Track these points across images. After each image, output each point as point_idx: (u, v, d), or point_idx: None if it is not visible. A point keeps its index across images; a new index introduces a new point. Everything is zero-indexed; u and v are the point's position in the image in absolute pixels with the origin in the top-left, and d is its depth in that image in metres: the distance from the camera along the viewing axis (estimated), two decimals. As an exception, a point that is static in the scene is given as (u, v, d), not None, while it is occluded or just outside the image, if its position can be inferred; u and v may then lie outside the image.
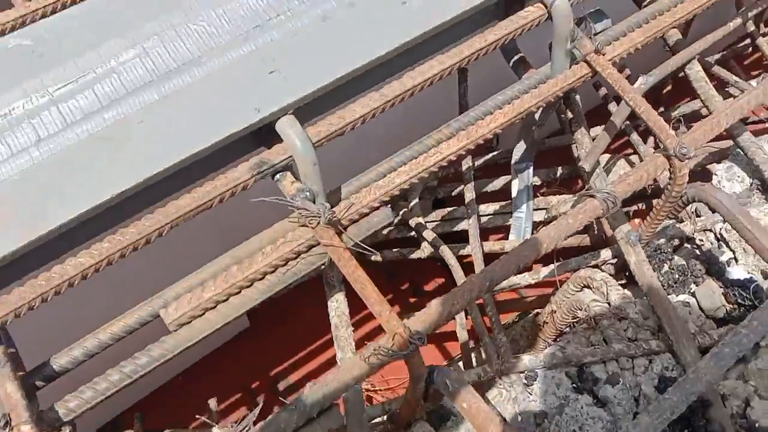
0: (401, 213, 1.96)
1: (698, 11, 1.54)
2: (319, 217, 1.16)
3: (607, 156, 2.03)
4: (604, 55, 1.40)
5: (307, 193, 1.20)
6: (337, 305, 1.37)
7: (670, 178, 1.32)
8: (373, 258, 2.06)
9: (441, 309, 1.15)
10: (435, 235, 1.88)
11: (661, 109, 2.36)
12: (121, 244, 1.11)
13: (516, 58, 1.57)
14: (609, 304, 1.49)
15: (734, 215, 1.26)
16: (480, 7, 1.33)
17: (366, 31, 1.25)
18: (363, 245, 1.20)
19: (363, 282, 1.14)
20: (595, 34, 1.50)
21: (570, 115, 1.76)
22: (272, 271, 1.19)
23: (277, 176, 1.22)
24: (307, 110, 1.24)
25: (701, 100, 1.71)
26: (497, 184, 2.13)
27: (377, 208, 1.27)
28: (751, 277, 1.46)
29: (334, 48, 1.23)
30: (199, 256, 1.28)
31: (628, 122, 2.04)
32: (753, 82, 2.06)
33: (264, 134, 1.22)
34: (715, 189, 1.33)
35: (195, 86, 1.17)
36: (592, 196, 1.27)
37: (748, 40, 2.29)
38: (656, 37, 1.49)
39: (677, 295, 1.49)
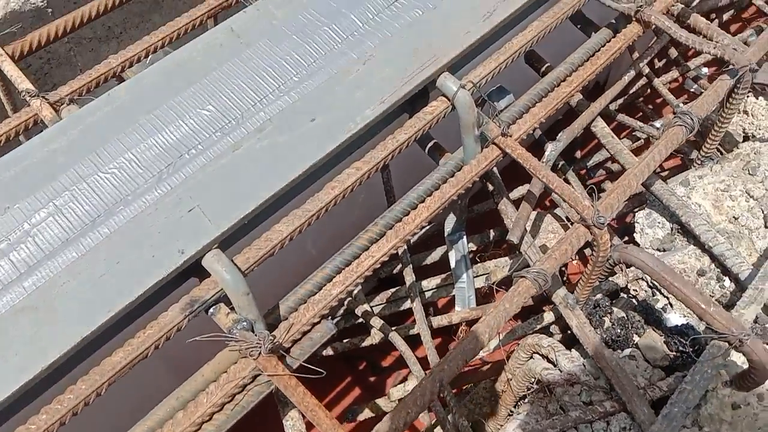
0: (346, 303, 1.97)
1: (592, 77, 1.63)
2: (260, 347, 1.15)
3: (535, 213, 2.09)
4: (510, 136, 1.45)
5: (244, 323, 1.19)
6: (293, 423, 1.35)
7: (593, 246, 1.37)
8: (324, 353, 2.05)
9: (397, 421, 1.15)
10: (383, 321, 1.89)
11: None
12: (59, 413, 1.07)
13: (430, 144, 1.61)
14: (560, 370, 1.52)
15: (658, 273, 1.32)
16: (388, 111, 1.37)
17: (279, 154, 1.27)
18: (308, 366, 1.19)
19: (313, 408, 1.13)
20: (500, 112, 1.57)
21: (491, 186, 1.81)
22: (219, 410, 1.17)
23: (211, 310, 1.21)
24: (232, 237, 1.25)
25: (611, 155, 1.80)
26: (435, 255, 2.16)
27: (318, 323, 1.27)
28: (687, 322, 1.52)
29: (250, 175, 1.24)
30: (147, 388, 1.24)
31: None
32: (658, 123, 2.18)
33: (192, 269, 1.21)
34: (637, 249, 1.39)
35: (115, 237, 1.16)
36: (523, 276, 1.30)
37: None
38: (557, 108, 1.57)
39: (622, 350, 1.53)
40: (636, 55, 2.16)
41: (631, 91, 2.50)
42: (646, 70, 2.26)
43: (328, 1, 1.48)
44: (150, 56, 1.65)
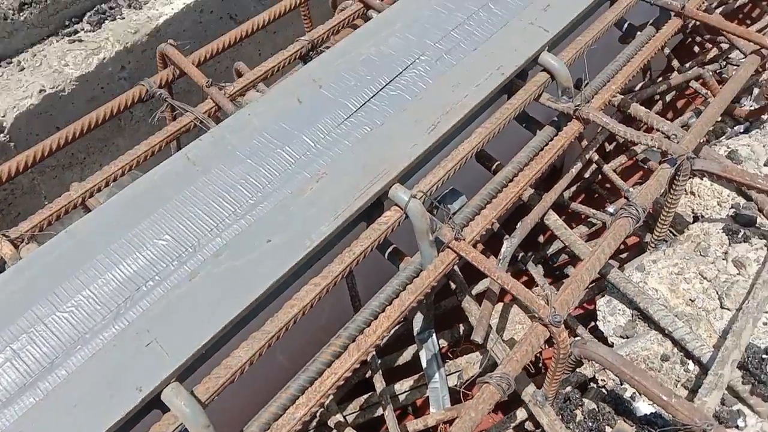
0: (318, 414, 1.94)
1: (538, 175, 1.70)
2: (224, 480, 1.13)
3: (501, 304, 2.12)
4: (464, 239, 1.50)
5: (208, 456, 1.17)
6: None
7: (553, 344, 1.39)
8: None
9: None
10: None
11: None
12: None
13: (389, 250, 1.65)
14: (536, 470, 1.50)
15: (618, 368, 1.34)
16: (342, 226, 1.41)
17: (237, 279, 1.29)
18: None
19: None
20: (454, 214, 1.62)
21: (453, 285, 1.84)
22: None
23: (173, 442, 1.19)
24: (192, 367, 1.24)
25: (566, 245, 1.85)
26: (407, 355, 2.15)
27: (285, 445, 1.26)
28: (655, 411, 1.52)
29: (208, 303, 1.26)
30: None
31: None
32: (611, 208, 2.26)
33: (153, 403, 1.20)
34: (596, 345, 1.41)
35: (73, 379, 1.15)
36: (486, 382, 1.31)
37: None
38: (507, 207, 1.62)
39: (596, 445, 1.52)
40: (585, 143, 2.26)
41: (586, 176, 2.60)
42: (596, 156, 2.36)
43: (281, 124, 1.55)
44: (112, 185, 1.70)
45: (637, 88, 2.94)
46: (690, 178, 1.71)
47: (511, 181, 1.67)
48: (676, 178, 1.67)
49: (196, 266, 1.30)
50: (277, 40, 2.64)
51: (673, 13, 2.06)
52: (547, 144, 1.76)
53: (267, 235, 1.35)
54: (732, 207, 1.87)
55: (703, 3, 2.20)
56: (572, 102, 1.78)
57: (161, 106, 1.91)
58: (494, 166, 1.98)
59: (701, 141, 1.83)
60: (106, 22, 2.11)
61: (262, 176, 1.45)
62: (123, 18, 2.11)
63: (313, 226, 1.37)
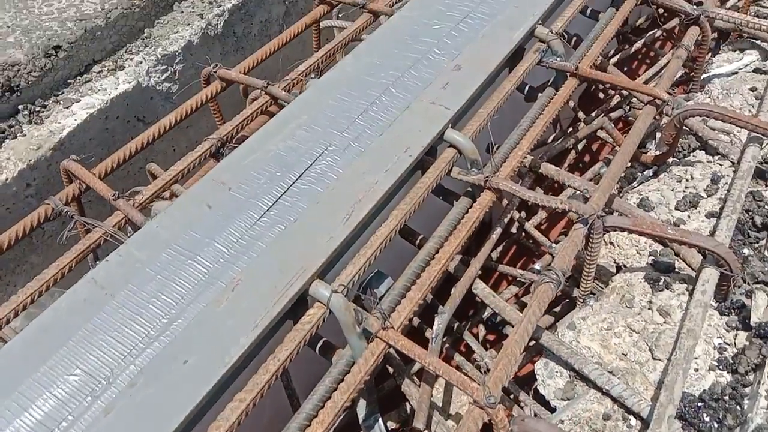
0: None
1: (459, 249, 1.71)
2: None
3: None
4: (392, 327, 1.48)
5: None
6: None
7: (491, 425, 1.36)
8: None
9: None
10: None
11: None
12: None
13: (320, 344, 1.61)
14: None
15: (558, 442, 1.32)
16: (264, 334, 1.37)
17: (154, 408, 1.23)
18: None
19: None
20: (381, 298, 1.61)
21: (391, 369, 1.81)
22: None
23: None
24: None
25: (496, 312, 1.85)
26: (356, 443, 2.09)
27: None
28: (603, 476, 1.51)
29: (125, 439, 1.19)
30: None
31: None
32: (538, 265, 2.29)
33: None
34: (534, 421, 1.40)
35: None
36: (428, 477, 1.27)
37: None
38: (433, 286, 1.62)
39: None
40: (505, 202, 2.30)
41: (513, 230, 2.64)
42: (518, 215, 2.40)
43: (191, 233, 1.52)
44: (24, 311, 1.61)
45: (550, 139, 3.05)
46: (604, 234, 1.75)
47: (434, 257, 1.67)
48: (591, 236, 1.71)
49: (110, 400, 1.23)
50: (190, 133, 2.62)
51: (568, 74, 2.15)
52: (465, 215, 1.79)
53: (183, 355, 1.30)
54: (650, 254, 1.92)
55: (597, 58, 2.32)
56: (482, 173, 1.81)
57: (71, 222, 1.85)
58: (418, 240, 1.99)
59: (612, 192, 1.89)
60: (6, 141, 2.05)
61: (175, 292, 1.40)
62: (24, 135, 2.06)
63: (232, 339, 1.33)
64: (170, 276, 1.43)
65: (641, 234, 1.71)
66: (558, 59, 2.16)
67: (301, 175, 1.64)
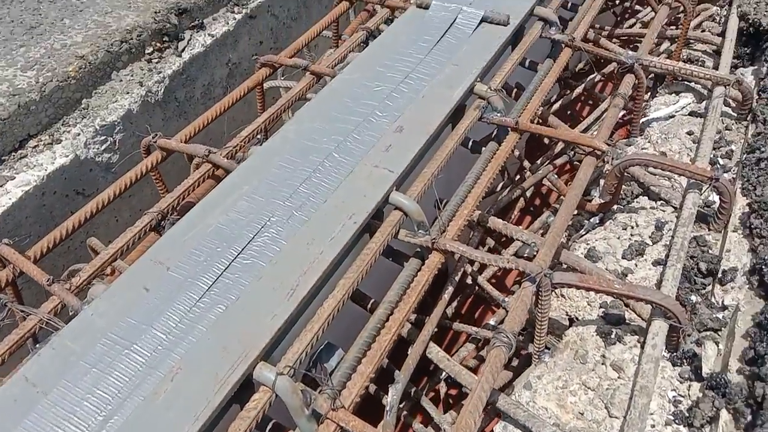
0: None
1: (410, 314, 1.68)
2: None
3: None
4: (342, 406, 1.43)
5: None
6: None
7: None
8: None
9: None
10: None
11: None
12: None
13: (269, 427, 1.55)
14: None
15: None
16: (206, 425, 1.31)
17: None
18: None
19: None
20: (331, 374, 1.56)
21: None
22: None
23: None
24: None
25: (451, 376, 1.82)
26: None
27: None
28: None
29: None
30: None
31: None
32: (492, 320, 2.27)
33: None
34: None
35: None
36: None
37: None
38: (384, 358, 1.58)
39: None
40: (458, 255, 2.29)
41: (468, 281, 2.63)
42: (470, 269, 2.39)
43: (127, 320, 1.46)
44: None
45: (499, 187, 3.07)
46: (552, 290, 1.74)
47: (385, 324, 1.64)
48: (540, 294, 1.70)
49: None
50: (133, 202, 2.56)
51: (509, 128, 2.17)
52: (414, 278, 1.77)
53: (121, 456, 1.23)
54: (601, 306, 1.92)
55: (538, 109, 2.36)
56: (429, 235, 1.80)
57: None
58: (369, 305, 1.96)
59: (560, 245, 1.89)
60: (-65, 225, 1.96)
61: (111, 385, 1.33)
62: (-45, 217, 1.98)
63: (173, 433, 1.27)
64: (106, 368, 1.36)
65: (589, 290, 1.71)
66: (498, 115, 2.18)
67: (242, 250, 1.60)
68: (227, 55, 2.85)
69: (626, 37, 3.47)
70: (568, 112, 4.01)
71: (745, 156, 2.15)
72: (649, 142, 2.53)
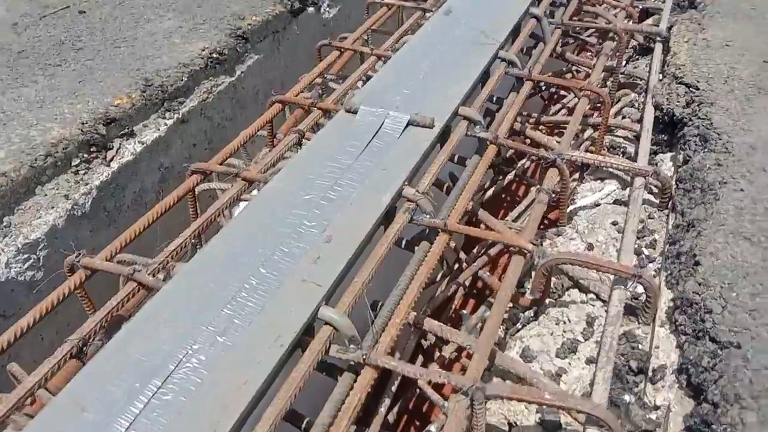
0: None
1: (341, 439, 1.63)
2: None
3: None
4: None
5: None
6: None
7: None
8: None
9: None
10: None
11: None
12: None
13: None
14: None
15: None
16: None
17: None
18: None
19: None
20: None
21: None
22: None
23: None
24: None
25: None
26: None
27: None
28: None
29: None
30: None
31: None
32: (433, 427, 2.23)
33: None
34: None
35: None
36: None
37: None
38: (314, 489, 1.52)
39: None
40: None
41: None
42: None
43: (36, 473, 1.37)
44: None
45: (439, 276, 3.09)
46: (485, 402, 1.72)
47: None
48: (473, 407, 1.68)
49: None
50: (59, 319, 2.46)
51: (440, 230, 2.20)
52: (348, 394, 1.73)
53: None
54: (537, 411, 1.91)
55: (468, 205, 2.40)
56: (360, 349, 1.77)
57: None
58: (304, 424, 1.90)
59: (493, 348, 1.89)
60: None
61: None
62: None
63: None
64: None
65: (521, 401, 1.70)
66: (427, 217, 2.21)
67: (162, 384, 1.54)
68: (159, 161, 2.84)
69: (552, 124, 3.61)
70: (504, 194, 4.12)
71: (666, 248, 2.22)
72: (576, 231, 2.59)
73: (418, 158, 2.36)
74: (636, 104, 3.41)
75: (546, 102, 4.41)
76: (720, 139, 2.48)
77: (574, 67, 3.99)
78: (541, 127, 3.56)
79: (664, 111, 2.86)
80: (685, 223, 2.18)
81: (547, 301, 2.30)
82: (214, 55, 3.15)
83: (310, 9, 3.91)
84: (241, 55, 3.36)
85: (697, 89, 2.82)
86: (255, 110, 3.50)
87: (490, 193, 3.39)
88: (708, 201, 2.20)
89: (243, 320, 1.72)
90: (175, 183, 2.94)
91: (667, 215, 2.45)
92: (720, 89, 2.80)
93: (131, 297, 2.05)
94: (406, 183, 2.25)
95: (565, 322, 2.16)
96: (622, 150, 3.11)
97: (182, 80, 2.95)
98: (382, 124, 2.49)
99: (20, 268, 2.25)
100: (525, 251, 2.09)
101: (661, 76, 3.27)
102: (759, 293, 1.84)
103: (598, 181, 2.94)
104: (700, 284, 1.89)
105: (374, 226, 2.08)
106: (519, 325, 2.36)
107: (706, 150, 2.47)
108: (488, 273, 2.56)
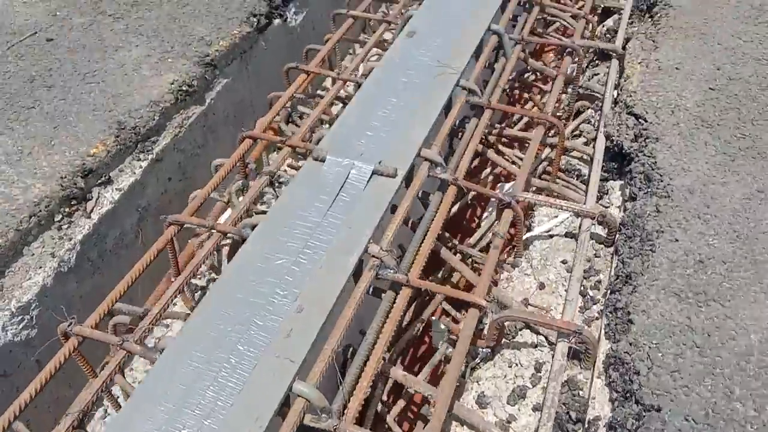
0: None
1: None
2: None
3: None
4: None
5: None
6: None
7: None
8: None
9: None
10: None
11: None
12: None
13: None
14: None
15: None
16: None
17: None
18: None
19: None
20: None
21: None
22: None
23: None
24: None
25: None
26: None
27: None
28: None
29: None
30: None
31: None
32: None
33: None
34: None
35: None
36: None
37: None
38: None
39: None
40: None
41: None
42: None
43: None
44: None
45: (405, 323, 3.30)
46: (443, 462, 1.98)
47: None
48: (431, 470, 1.94)
49: None
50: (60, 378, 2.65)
51: (403, 285, 2.40)
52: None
53: None
54: (489, 459, 2.17)
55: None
56: (331, 419, 2.00)
57: None
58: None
59: (452, 399, 2.13)
60: None
61: None
62: None
63: None
64: None
65: (473, 465, 1.95)
66: (391, 272, 2.40)
67: (156, 475, 1.76)
68: (136, 202, 2.98)
69: (514, 137, 3.77)
70: (470, 205, 4.29)
71: (607, 296, 2.45)
72: (530, 266, 2.82)
73: (382, 212, 2.54)
74: (592, 121, 3.58)
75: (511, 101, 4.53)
76: (662, 181, 2.68)
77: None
78: (503, 139, 3.72)
79: (614, 143, 3.04)
80: (623, 275, 2.41)
81: (503, 341, 2.54)
82: (184, 88, 3.23)
83: (277, 21, 3.96)
84: (210, 82, 3.44)
85: (646, 121, 2.99)
86: (226, 132, 3.62)
87: (455, 208, 3.58)
88: (645, 252, 2.42)
89: (225, 401, 1.93)
90: (152, 220, 3.09)
91: (612, 255, 2.67)
92: (666, 122, 2.98)
93: (119, 370, 2.25)
94: (370, 241, 2.44)
95: (517, 365, 2.41)
96: (576, 173, 3.30)
97: (154, 119, 3.06)
98: (348, 175, 2.65)
99: (16, 329, 2.43)
100: (479, 306, 2.32)
101: (616, 93, 3.43)
102: (681, 353, 2.08)
103: (552, 209, 3.13)
104: (631, 344, 2.13)
105: (342, 291, 2.28)
106: (478, 359, 2.61)
107: (648, 192, 2.68)
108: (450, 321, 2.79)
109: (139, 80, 3.23)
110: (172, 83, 3.23)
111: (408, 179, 2.75)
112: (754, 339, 2.10)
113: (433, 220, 2.64)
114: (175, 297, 2.44)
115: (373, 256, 2.42)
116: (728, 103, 3.05)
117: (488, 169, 3.81)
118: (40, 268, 2.54)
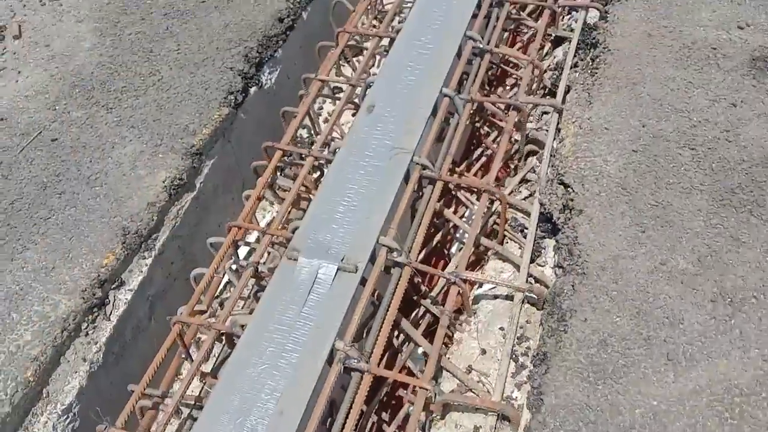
0: None
1: None
2: None
3: None
4: None
5: None
6: None
7: None
8: None
9: None
10: None
11: None
12: None
13: None
14: None
15: None
16: None
17: None
18: None
19: None
20: None
21: None
22: None
23: None
24: None
25: None
26: None
27: None
28: None
29: None
30: None
31: None
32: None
33: None
34: None
35: None
36: None
37: None
38: None
39: None
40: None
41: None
42: None
43: None
44: None
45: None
46: None
47: None
48: None
49: None
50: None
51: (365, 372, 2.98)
52: None
53: None
54: None
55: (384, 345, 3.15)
56: (309, 501, 2.64)
57: None
58: None
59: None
60: None
61: None
62: None
63: None
64: None
65: None
66: (355, 361, 2.98)
67: None
68: (146, 294, 3.57)
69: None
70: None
71: (531, 369, 3.01)
72: (476, 331, 3.37)
73: (346, 308, 3.08)
74: (536, 170, 4.01)
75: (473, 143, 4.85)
76: (580, 257, 3.17)
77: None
78: (465, 174, 4.17)
79: (546, 210, 3.51)
80: (541, 354, 2.96)
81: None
82: (176, 183, 3.73)
83: (253, 89, 4.38)
84: (198, 169, 3.93)
85: (573, 191, 3.44)
86: (215, 202, 4.13)
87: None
88: (559, 332, 2.95)
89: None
90: (161, 303, 3.68)
91: (540, 322, 3.21)
92: (590, 191, 3.42)
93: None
94: (336, 338, 3.00)
95: (460, 426, 3.01)
96: (520, 228, 3.78)
97: (153, 219, 3.59)
98: (317, 275, 3.19)
99: (63, 425, 3.08)
100: (425, 389, 2.90)
101: (557, 144, 3.84)
102: (578, 430, 2.66)
103: (500, 262, 3.64)
104: (540, 423, 2.71)
105: (313, 392, 2.86)
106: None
107: (568, 268, 3.18)
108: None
109: (136, 181, 3.72)
110: (164, 181, 3.72)
111: (367, 271, 3.28)
112: (637, 414, 2.66)
113: (390, 302, 3.19)
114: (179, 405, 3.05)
115: (340, 350, 3.00)
116: (647, 167, 3.46)
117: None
118: (76, 372, 3.15)
